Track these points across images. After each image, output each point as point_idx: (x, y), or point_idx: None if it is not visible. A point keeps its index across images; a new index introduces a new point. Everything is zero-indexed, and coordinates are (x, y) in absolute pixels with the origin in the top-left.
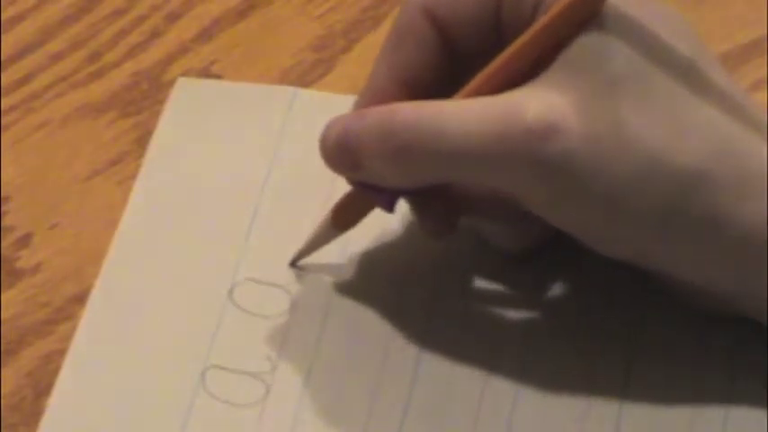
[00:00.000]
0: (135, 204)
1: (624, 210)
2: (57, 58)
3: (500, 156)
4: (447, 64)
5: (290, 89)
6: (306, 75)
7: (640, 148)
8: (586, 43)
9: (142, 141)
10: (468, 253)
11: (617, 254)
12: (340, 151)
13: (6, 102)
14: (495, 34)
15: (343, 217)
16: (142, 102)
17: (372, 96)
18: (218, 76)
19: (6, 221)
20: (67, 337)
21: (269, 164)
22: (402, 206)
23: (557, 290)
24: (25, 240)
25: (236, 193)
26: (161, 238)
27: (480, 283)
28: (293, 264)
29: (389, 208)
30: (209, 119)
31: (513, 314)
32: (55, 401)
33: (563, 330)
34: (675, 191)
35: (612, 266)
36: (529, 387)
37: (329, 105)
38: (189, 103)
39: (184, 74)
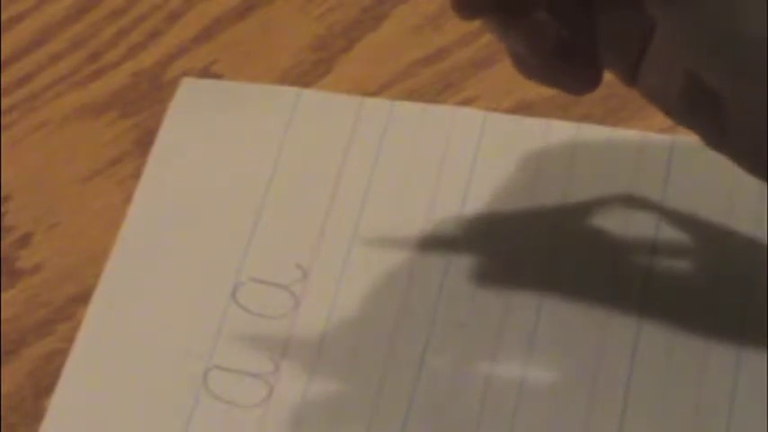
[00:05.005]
0: (138, 204)
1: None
2: (57, 58)
3: None
4: None
5: (295, 89)
6: (306, 75)
7: None
8: None
9: (142, 141)
10: (473, 255)
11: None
12: None
13: (6, 102)
14: None
15: None
16: (142, 102)
17: None
18: (218, 76)
19: (6, 221)
20: (68, 337)
21: (273, 164)
22: (402, 209)
23: (559, 292)
24: (25, 240)
25: (240, 192)
26: (164, 237)
27: (484, 284)
28: None
29: None
30: (213, 119)
31: (516, 315)
32: (57, 401)
33: (565, 332)
34: None
35: (614, 270)
36: (532, 388)
37: (333, 105)
38: (193, 104)
39: (184, 74)
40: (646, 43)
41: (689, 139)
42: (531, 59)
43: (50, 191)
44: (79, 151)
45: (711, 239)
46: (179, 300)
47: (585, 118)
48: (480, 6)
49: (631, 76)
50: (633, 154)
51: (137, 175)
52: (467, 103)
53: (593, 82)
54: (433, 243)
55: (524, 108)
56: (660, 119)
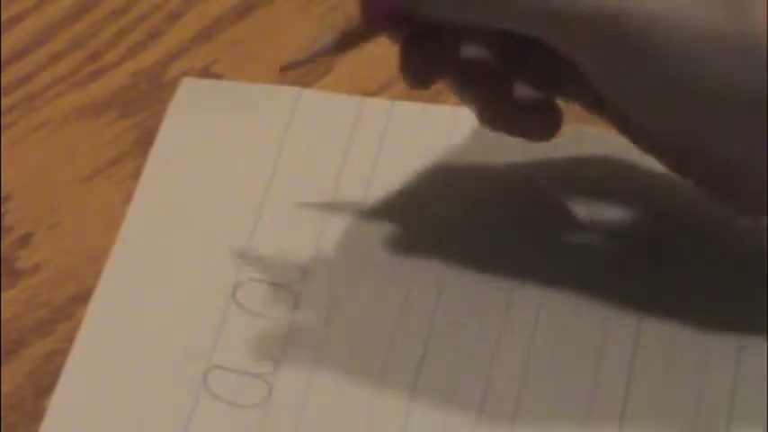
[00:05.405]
0: (138, 204)
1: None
2: (57, 58)
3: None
4: None
5: (295, 89)
6: (306, 75)
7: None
8: None
9: (142, 141)
10: (474, 255)
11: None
12: None
13: (6, 102)
14: None
15: (348, 39)
16: (142, 102)
17: None
18: (218, 76)
19: (6, 221)
20: (67, 337)
21: (273, 163)
22: (398, 209)
23: (559, 292)
24: (25, 240)
25: (240, 192)
26: (164, 237)
27: (484, 284)
28: (283, 69)
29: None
30: (214, 119)
31: (516, 315)
32: (57, 401)
33: (565, 332)
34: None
35: (614, 269)
36: (532, 388)
37: (334, 105)
38: (193, 103)
39: (184, 74)
40: None
41: None
42: (491, 115)
43: (50, 191)
44: (79, 151)
45: (711, 239)
46: (179, 300)
47: (585, 118)
48: (428, 79)
49: (596, 109)
50: (633, 153)
51: (137, 175)
52: None
53: (553, 129)
54: (434, 243)
55: None
56: None
